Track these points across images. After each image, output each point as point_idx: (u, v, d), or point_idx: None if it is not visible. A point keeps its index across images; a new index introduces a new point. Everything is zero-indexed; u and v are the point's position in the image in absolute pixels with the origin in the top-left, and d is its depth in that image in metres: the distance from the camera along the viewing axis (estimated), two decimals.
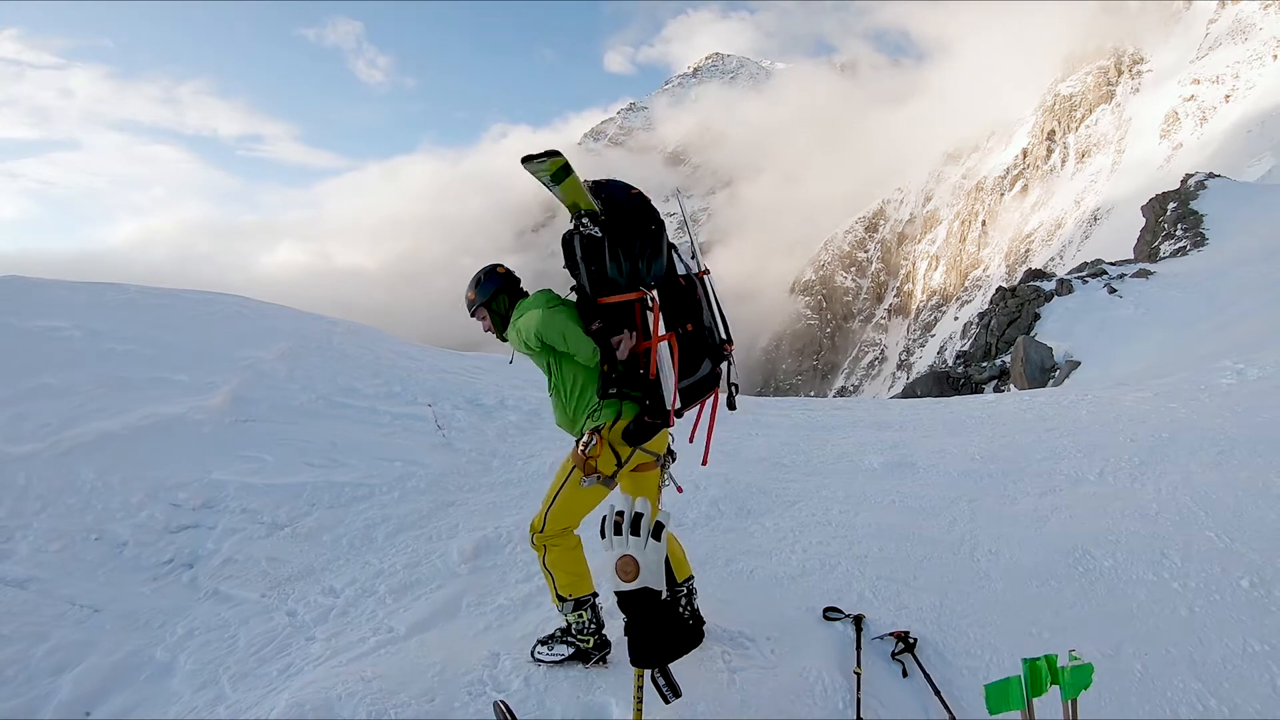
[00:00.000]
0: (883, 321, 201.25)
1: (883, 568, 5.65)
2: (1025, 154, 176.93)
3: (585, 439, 3.95)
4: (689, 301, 4.19)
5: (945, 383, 28.94)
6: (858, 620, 4.74)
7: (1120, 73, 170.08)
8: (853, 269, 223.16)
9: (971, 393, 25.61)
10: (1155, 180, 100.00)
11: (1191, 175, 45.35)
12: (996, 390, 25.31)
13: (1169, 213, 40.77)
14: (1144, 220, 44.25)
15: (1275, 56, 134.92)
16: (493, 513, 6.82)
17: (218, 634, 5.09)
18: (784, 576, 5.52)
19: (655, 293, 4.04)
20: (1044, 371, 23.59)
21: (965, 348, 34.67)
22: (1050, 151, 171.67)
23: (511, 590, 5.33)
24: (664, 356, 3.99)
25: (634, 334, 4.03)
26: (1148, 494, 6.80)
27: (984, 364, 28.72)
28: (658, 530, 2.47)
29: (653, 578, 2.43)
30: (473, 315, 4.42)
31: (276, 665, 4.69)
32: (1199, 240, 34.57)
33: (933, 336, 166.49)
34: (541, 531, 4.17)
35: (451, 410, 9.72)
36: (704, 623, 4.52)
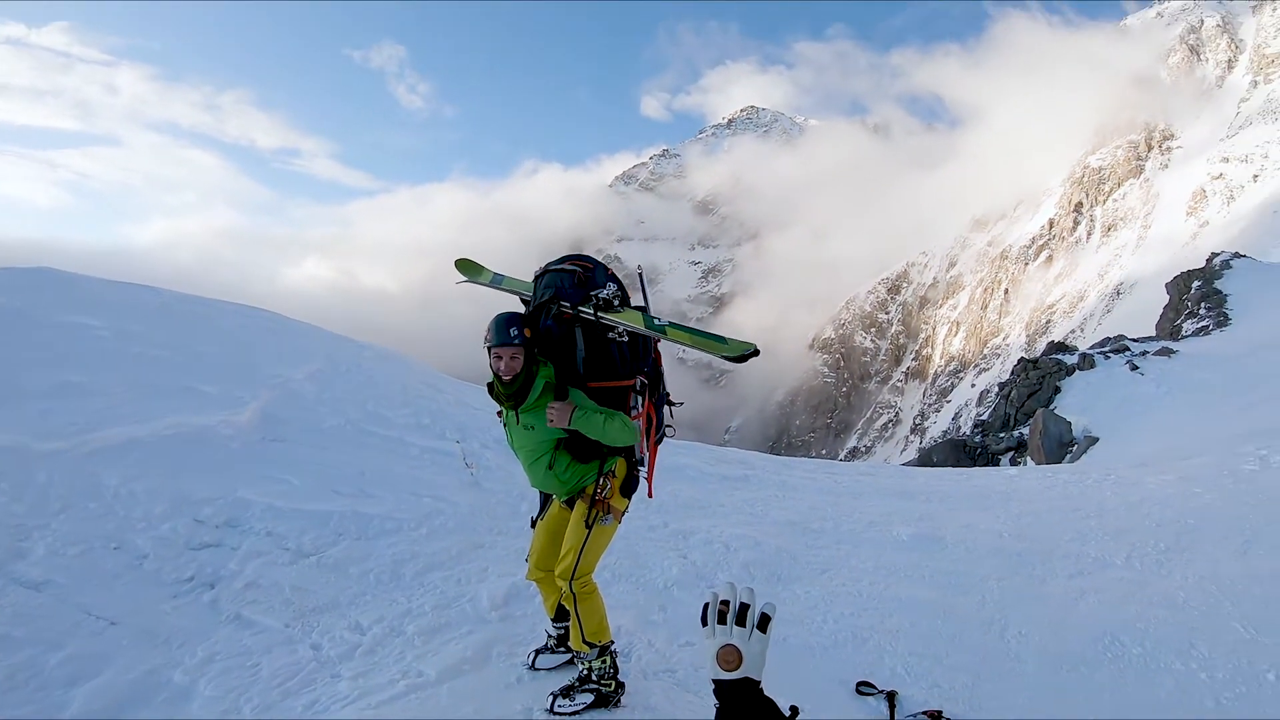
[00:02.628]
0: (899, 384, 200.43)
1: (914, 643, 5.71)
2: (1052, 224, 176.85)
3: (601, 482, 4.42)
4: (656, 370, 4.77)
5: (962, 451, 28.76)
6: (891, 697, 4.80)
7: (1150, 148, 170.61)
8: (873, 329, 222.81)
9: (988, 463, 25.63)
10: (1180, 257, 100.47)
11: (1217, 254, 45.23)
12: (1013, 462, 25.20)
13: (1193, 291, 40.75)
14: (1167, 297, 44.33)
15: None
16: (523, 559, 6.66)
17: (239, 661, 4.94)
18: (817, 646, 5.56)
19: (643, 377, 4.59)
20: (1062, 446, 23.40)
21: (984, 416, 34.57)
22: (1077, 223, 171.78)
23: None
24: (638, 428, 4.55)
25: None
26: (1175, 582, 6.86)
27: (1002, 434, 28.51)
28: (763, 622, 2.42)
29: (754, 668, 2.39)
30: (504, 344, 4.21)
31: (301, 700, 4.57)
32: (1222, 320, 34.43)
33: (948, 402, 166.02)
34: (576, 578, 4.35)
35: (480, 449, 9.64)
36: (623, 688, 4.64)
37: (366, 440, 9.06)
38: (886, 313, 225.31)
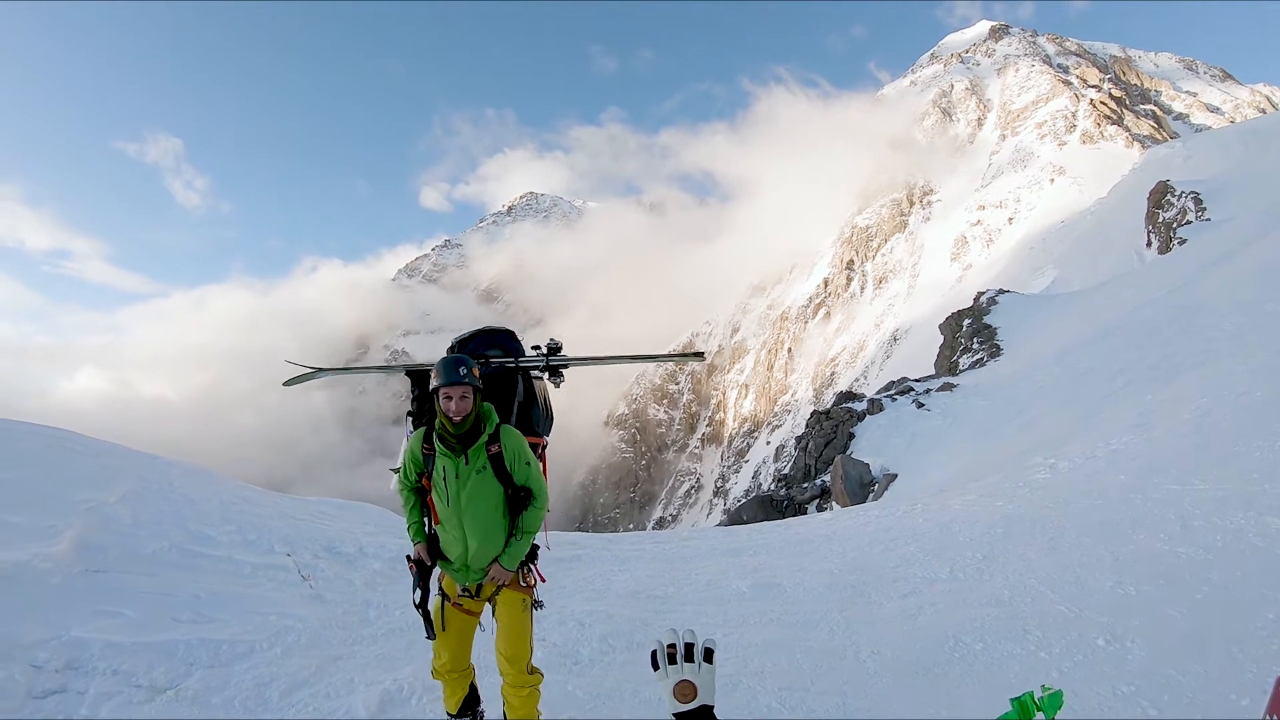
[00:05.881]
0: (696, 450, 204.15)
1: (780, 679, 6.07)
2: (826, 283, 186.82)
3: (528, 568, 4.58)
4: None
5: (770, 506, 29.65)
6: None
7: (912, 203, 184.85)
8: (664, 401, 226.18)
9: (795, 513, 26.51)
10: (949, 300, 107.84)
11: (983, 293, 48.97)
12: (819, 509, 26.18)
13: (965, 328, 44.04)
14: (941, 337, 47.75)
15: (1052, 180, 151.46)
16: (385, 665, 6.62)
17: None
18: None
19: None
20: (863, 486, 24.57)
21: (785, 470, 35.80)
22: (850, 279, 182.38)
23: None
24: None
25: None
26: (998, 583, 7.58)
27: (805, 485, 29.64)
28: (709, 654, 2.66)
29: (708, 695, 2.62)
30: (454, 383, 4.15)
31: None
32: (995, 351, 37.15)
33: (746, 462, 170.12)
34: (532, 670, 4.48)
35: (312, 560, 9.37)
36: None
37: (195, 562, 8.65)
38: (676, 383, 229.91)
